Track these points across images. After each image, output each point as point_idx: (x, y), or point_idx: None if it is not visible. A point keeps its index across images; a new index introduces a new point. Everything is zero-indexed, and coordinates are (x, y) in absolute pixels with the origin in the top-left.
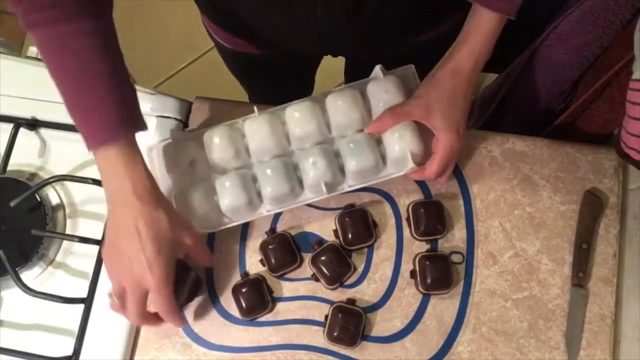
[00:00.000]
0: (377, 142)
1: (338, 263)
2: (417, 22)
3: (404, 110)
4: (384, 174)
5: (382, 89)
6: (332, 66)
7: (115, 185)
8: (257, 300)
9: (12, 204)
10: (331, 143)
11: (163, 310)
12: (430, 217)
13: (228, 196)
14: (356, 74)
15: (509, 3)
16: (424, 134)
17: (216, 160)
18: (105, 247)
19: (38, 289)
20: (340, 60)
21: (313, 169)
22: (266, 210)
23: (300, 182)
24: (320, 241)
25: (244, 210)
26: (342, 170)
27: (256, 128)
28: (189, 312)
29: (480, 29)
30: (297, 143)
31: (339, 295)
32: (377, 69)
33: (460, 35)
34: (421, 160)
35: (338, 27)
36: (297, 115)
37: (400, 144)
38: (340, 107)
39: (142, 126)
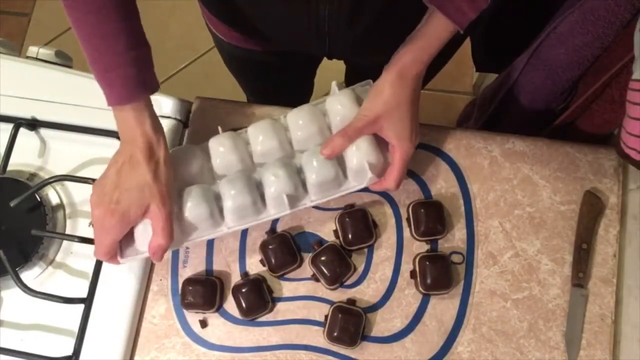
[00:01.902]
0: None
1: (338, 263)
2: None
3: (353, 129)
4: (345, 187)
5: (337, 103)
6: (332, 70)
7: (126, 136)
8: (257, 300)
9: (12, 204)
10: (293, 158)
11: (160, 225)
12: (430, 217)
13: (189, 208)
14: (357, 80)
15: (463, 15)
16: (382, 144)
17: (180, 175)
18: (100, 177)
19: (38, 289)
20: (342, 65)
21: (275, 181)
22: (227, 227)
23: (263, 198)
24: (321, 241)
25: (204, 225)
26: (304, 184)
27: (220, 145)
28: (190, 312)
29: (431, 35)
30: (260, 159)
31: (339, 295)
32: (333, 85)
33: (408, 39)
34: (381, 172)
35: (338, 27)
36: (258, 133)
37: (357, 155)
38: (299, 123)
39: (155, 86)
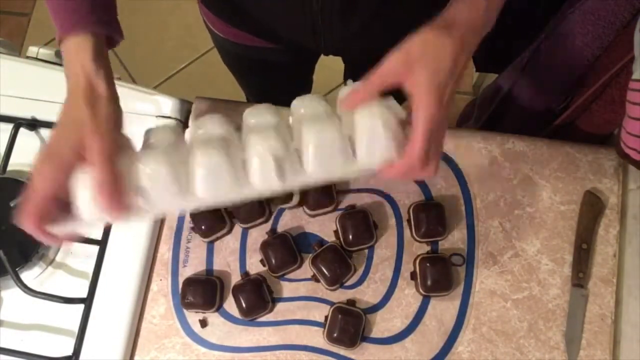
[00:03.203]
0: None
1: (338, 264)
2: (419, 25)
3: (377, 71)
4: (353, 164)
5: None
6: (331, 66)
7: (67, 73)
8: (257, 300)
9: (12, 204)
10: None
11: (95, 158)
12: (431, 219)
13: (145, 169)
14: (355, 77)
15: None
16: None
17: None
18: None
19: (38, 289)
20: (340, 65)
21: (259, 139)
22: (197, 197)
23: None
24: (321, 242)
25: (168, 192)
26: (300, 156)
27: (209, 118)
28: (190, 313)
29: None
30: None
31: (339, 296)
32: (349, 84)
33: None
34: (400, 149)
35: (332, 22)
36: (254, 111)
37: (370, 117)
38: (304, 102)
39: (107, 25)
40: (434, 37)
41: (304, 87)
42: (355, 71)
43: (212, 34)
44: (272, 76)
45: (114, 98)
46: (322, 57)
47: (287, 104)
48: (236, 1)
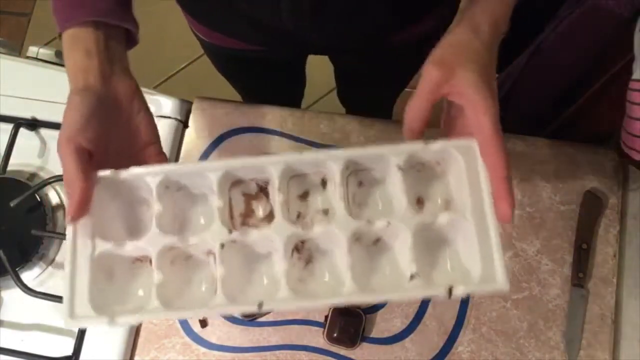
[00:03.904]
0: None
1: None
2: (393, 19)
3: (419, 89)
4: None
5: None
6: (325, 65)
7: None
8: None
9: (12, 204)
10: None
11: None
12: None
13: None
14: (344, 78)
15: None
16: None
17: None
18: None
19: (38, 289)
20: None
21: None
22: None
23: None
24: None
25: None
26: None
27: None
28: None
29: None
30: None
31: None
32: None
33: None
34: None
35: (303, 21)
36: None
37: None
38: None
39: (114, 16)
40: (461, 37)
41: (297, 86)
42: (343, 72)
43: (197, 38)
44: (260, 78)
45: (106, 93)
46: (315, 56)
47: (283, 102)
48: (211, 5)
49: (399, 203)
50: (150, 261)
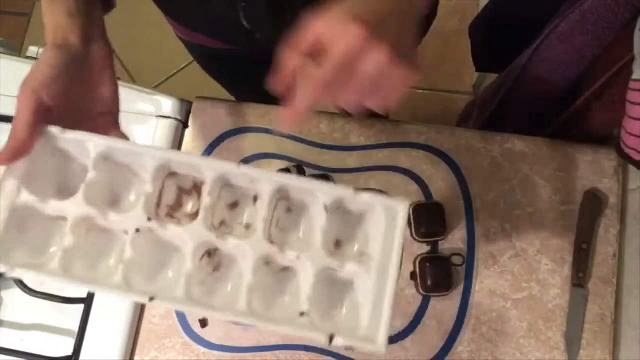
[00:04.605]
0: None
1: None
2: None
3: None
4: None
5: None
6: None
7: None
8: None
9: None
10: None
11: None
12: (431, 219)
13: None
14: None
15: None
16: None
17: None
18: None
19: (38, 289)
20: None
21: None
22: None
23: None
24: None
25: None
26: None
27: None
28: (190, 313)
29: None
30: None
31: None
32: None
33: None
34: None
35: (262, 24)
36: None
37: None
38: None
39: None
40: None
41: None
42: None
43: (179, 38)
44: (242, 75)
45: (82, 54)
46: None
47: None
48: (180, 4)
49: (315, 240)
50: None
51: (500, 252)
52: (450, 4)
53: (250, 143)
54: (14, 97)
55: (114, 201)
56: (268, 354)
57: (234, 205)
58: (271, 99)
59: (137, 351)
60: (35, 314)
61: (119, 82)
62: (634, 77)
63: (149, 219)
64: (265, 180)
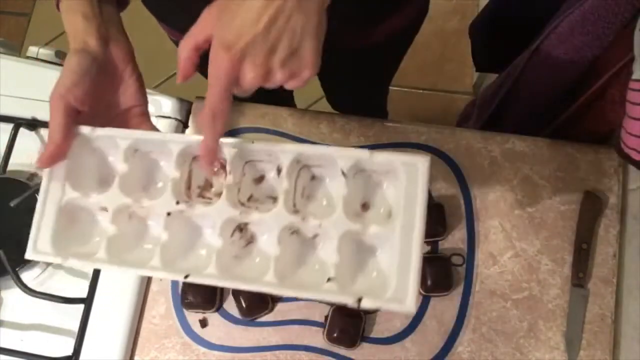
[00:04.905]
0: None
1: None
2: (367, 13)
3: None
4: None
5: None
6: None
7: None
8: (257, 300)
9: (12, 204)
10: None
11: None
12: (431, 219)
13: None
14: (325, 82)
15: None
16: None
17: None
18: None
19: (38, 289)
20: None
21: None
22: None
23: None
24: None
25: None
26: None
27: None
28: (190, 313)
29: None
30: None
31: None
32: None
33: None
34: None
35: None
36: None
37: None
38: None
39: None
40: None
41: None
42: (323, 74)
43: (172, 41)
44: None
45: (103, 54)
46: None
47: (275, 101)
48: (163, 4)
49: (337, 206)
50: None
51: (500, 252)
52: (450, 4)
53: None
54: (15, 97)
55: (147, 188)
56: (268, 354)
57: (260, 180)
58: (264, 98)
59: (137, 351)
60: (35, 314)
61: None
62: (634, 77)
63: (177, 203)
64: (280, 152)
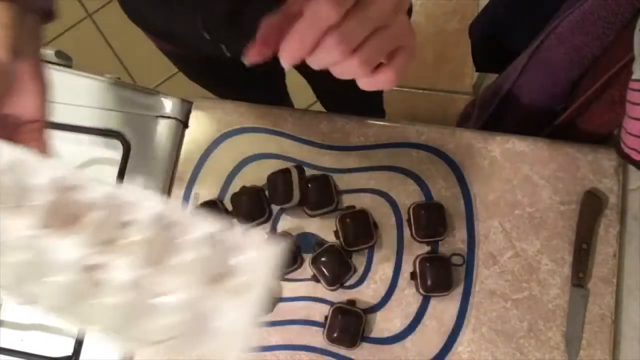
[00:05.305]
0: None
1: (338, 264)
2: None
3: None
4: None
5: None
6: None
7: None
8: None
9: None
10: None
11: None
12: (431, 219)
13: None
14: (314, 87)
15: None
16: None
17: None
18: None
19: None
20: None
21: None
22: None
23: None
24: (321, 242)
25: None
26: None
27: None
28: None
29: None
30: None
31: (339, 296)
32: None
33: None
34: None
35: (222, 34)
36: None
37: None
38: None
39: None
40: None
41: (272, 82)
42: (309, 79)
43: (160, 50)
44: (224, 81)
45: (9, 67)
46: None
47: (273, 101)
48: (144, 14)
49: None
50: None
51: (500, 252)
52: (450, 4)
53: (251, 143)
54: None
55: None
56: (268, 354)
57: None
58: (249, 99)
59: (137, 351)
60: (35, 314)
61: (119, 82)
62: (634, 77)
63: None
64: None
